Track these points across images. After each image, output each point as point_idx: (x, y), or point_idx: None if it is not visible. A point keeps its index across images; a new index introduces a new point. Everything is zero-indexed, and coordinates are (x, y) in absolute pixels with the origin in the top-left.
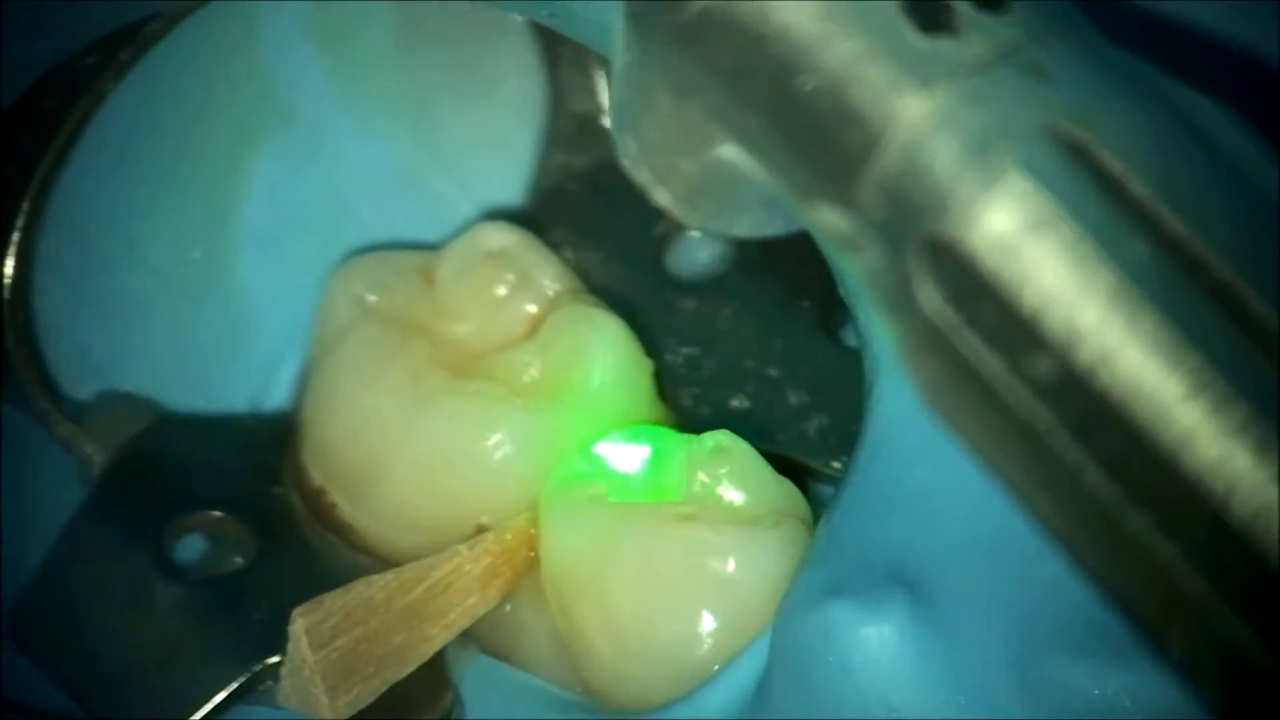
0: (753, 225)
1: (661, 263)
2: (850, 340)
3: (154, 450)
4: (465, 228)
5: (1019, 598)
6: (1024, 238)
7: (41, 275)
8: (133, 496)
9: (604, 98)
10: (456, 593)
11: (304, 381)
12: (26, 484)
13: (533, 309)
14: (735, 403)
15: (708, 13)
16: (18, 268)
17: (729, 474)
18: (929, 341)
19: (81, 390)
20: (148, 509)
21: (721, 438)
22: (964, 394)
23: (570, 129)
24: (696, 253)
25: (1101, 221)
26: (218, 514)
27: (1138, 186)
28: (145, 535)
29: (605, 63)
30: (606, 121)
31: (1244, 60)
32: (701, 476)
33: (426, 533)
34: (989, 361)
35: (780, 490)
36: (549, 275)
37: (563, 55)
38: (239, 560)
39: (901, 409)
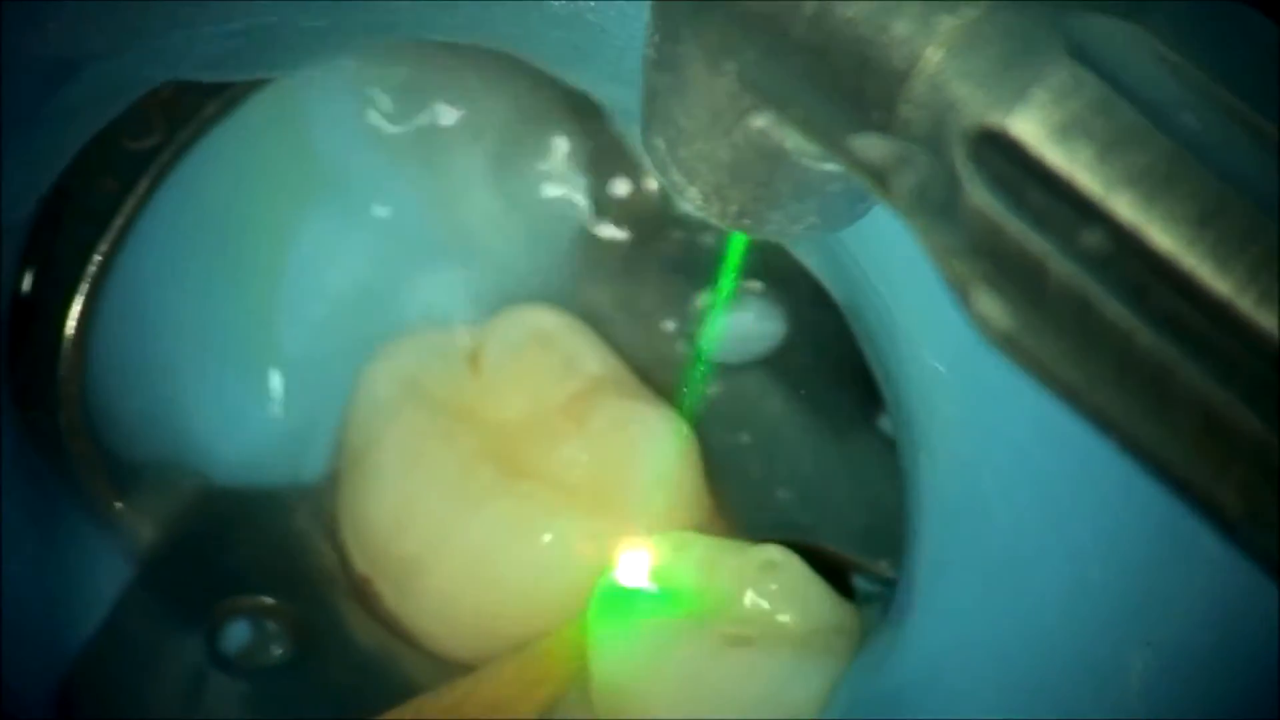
0: (781, 224)
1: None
2: (887, 428)
3: (201, 530)
4: (508, 307)
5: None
6: (1074, 120)
7: (94, 353)
8: (181, 577)
9: (640, 174)
10: (505, 703)
11: (343, 460)
12: (74, 560)
13: (579, 394)
14: (781, 493)
15: None
16: (73, 346)
17: (779, 592)
18: (978, 240)
19: (131, 467)
20: (195, 591)
21: (772, 553)
22: (1014, 287)
23: (611, 209)
24: (740, 336)
25: (1154, 99)
26: (268, 600)
27: (1192, 69)
28: (193, 618)
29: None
30: (646, 200)
31: None
32: (751, 594)
33: (472, 630)
34: (1040, 245)
35: (830, 606)
36: (594, 360)
37: (601, 137)
38: (285, 649)
39: (943, 509)
